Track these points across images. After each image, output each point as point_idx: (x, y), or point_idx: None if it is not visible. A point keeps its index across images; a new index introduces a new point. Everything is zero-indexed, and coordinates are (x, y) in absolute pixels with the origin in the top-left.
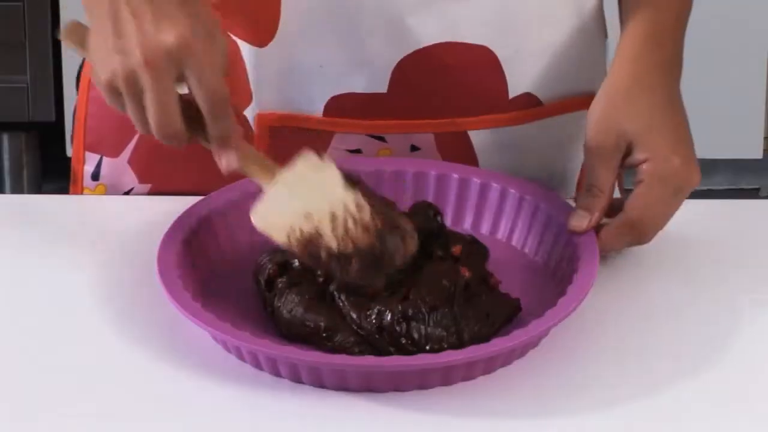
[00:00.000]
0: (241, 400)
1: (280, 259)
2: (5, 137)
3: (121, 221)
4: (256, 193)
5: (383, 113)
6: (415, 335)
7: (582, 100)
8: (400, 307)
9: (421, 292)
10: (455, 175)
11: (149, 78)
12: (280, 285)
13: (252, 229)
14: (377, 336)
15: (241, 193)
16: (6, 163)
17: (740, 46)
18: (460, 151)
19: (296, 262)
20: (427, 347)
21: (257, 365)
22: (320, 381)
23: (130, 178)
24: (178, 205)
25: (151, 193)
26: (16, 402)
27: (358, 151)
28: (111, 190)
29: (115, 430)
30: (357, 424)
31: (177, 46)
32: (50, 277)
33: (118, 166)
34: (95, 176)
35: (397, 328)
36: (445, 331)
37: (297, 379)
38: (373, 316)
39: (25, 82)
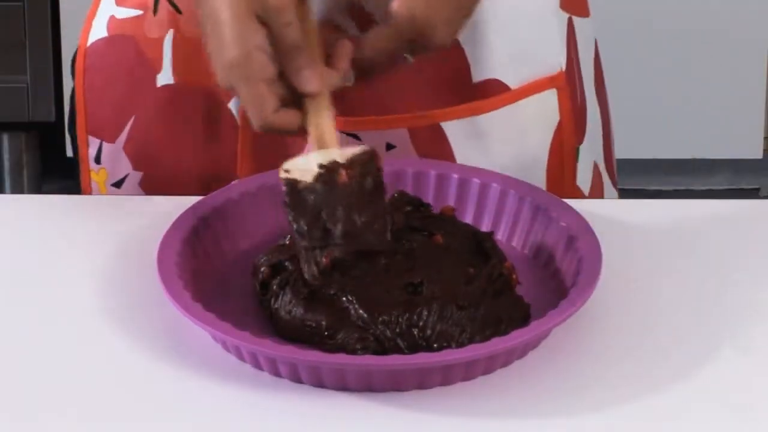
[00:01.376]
0: (241, 400)
1: (274, 260)
2: (5, 137)
3: (121, 221)
4: (255, 193)
5: (355, 110)
6: (428, 331)
7: (546, 81)
8: (417, 310)
9: (438, 289)
10: (455, 176)
11: (239, 76)
12: (274, 287)
13: (252, 229)
14: (388, 334)
15: (241, 193)
16: (6, 163)
17: (740, 46)
18: (435, 146)
19: (288, 263)
20: (435, 345)
21: (257, 365)
22: (320, 381)
23: (125, 165)
24: (178, 205)
25: (143, 181)
26: (16, 402)
27: None
28: (110, 174)
29: (115, 430)
30: (357, 424)
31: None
32: (50, 277)
33: (114, 152)
34: (97, 160)
35: (413, 330)
36: (459, 329)
37: (297, 379)
38: (389, 317)
39: (25, 82)
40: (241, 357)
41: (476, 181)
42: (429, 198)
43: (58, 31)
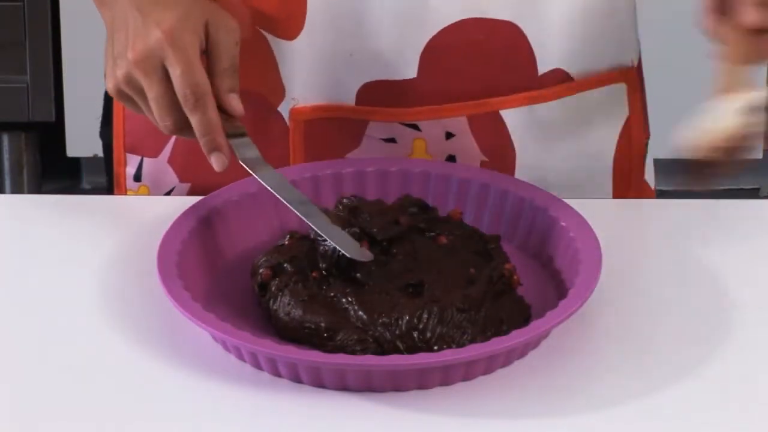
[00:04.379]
0: (241, 400)
1: (274, 262)
2: (5, 137)
3: (122, 221)
4: (255, 194)
5: (415, 100)
6: (428, 334)
7: (615, 74)
8: (418, 313)
9: (438, 291)
10: (456, 176)
11: (140, 75)
12: (273, 288)
13: (252, 229)
14: (388, 336)
15: (241, 193)
16: (6, 163)
17: None
18: (494, 134)
19: (287, 265)
20: (435, 347)
21: (257, 365)
22: (320, 381)
23: (171, 178)
24: (178, 205)
25: (191, 191)
26: (16, 402)
27: (392, 141)
28: (153, 190)
29: (115, 430)
30: (357, 424)
31: (157, 42)
32: (50, 277)
33: (158, 166)
34: (137, 177)
35: (413, 333)
36: (459, 331)
37: (297, 379)
38: (389, 320)
39: (25, 82)
40: (241, 357)
41: (476, 181)
42: (430, 198)
43: (58, 31)
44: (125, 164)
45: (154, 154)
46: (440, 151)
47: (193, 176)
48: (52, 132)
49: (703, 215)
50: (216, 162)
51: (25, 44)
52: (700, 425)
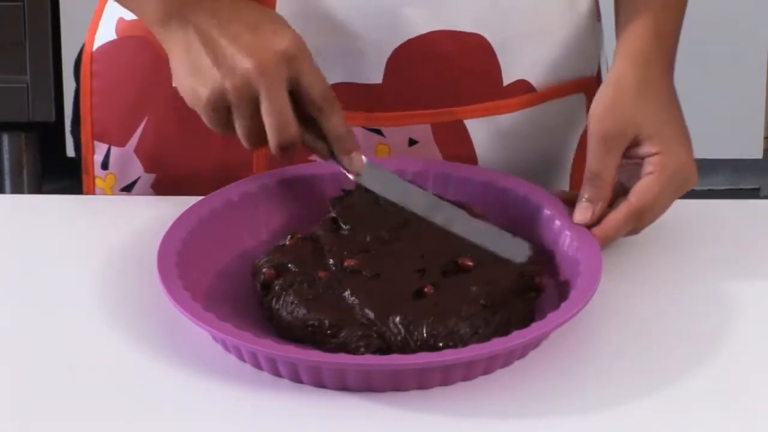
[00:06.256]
0: (241, 400)
1: (276, 262)
2: (5, 137)
3: (122, 221)
4: (255, 194)
5: (380, 105)
6: (433, 333)
7: (575, 84)
8: (428, 319)
9: (448, 293)
10: (456, 175)
11: (264, 81)
12: (276, 287)
13: (252, 229)
14: (395, 332)
15: (241, 194)
16: (6, 163)
17: (740, 46)
18: (457, 143)
19: (291, 265)
20: (440, 344)
21: (257, 365)
22: (320, 381)
23: (137, 168)
24: (178, 205)
25: (156, 183)
26: (16, 402)
27: None
28: (119, 179)
29: (114, 430)
30: (357, 424)
31: (288, 49)
32: (50, 277)
33: (125, 156)
34: (104, 165)
35: (423, 334)
36: (470, 331)
37: (297, 379)
38: (394, 318)
39: (25, 82)
40: (241, 357)
41: (476, 180)
42: None
43: (58, 31)
44: (93, 151)
45: (122, 143)
46: None
47: (159, 167)
48: (52, 132)
49: (703, 215)
50: (349, 163)
51: (25, 44)
52: (700, 425)
